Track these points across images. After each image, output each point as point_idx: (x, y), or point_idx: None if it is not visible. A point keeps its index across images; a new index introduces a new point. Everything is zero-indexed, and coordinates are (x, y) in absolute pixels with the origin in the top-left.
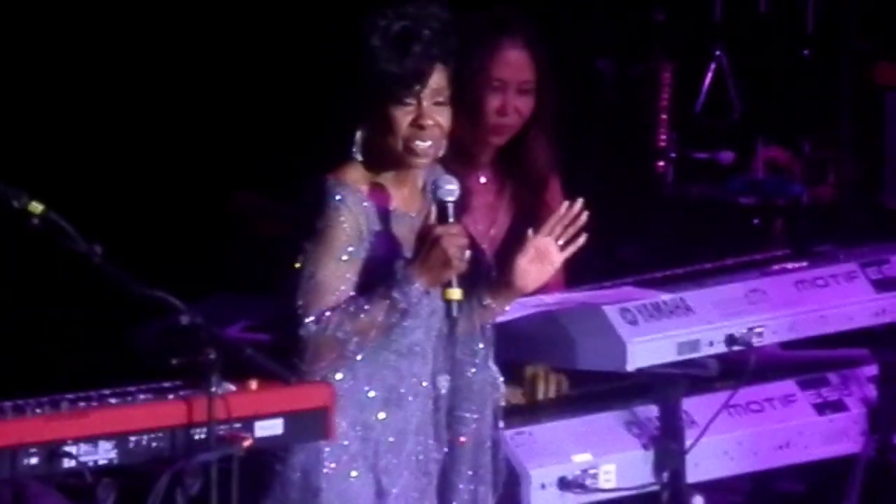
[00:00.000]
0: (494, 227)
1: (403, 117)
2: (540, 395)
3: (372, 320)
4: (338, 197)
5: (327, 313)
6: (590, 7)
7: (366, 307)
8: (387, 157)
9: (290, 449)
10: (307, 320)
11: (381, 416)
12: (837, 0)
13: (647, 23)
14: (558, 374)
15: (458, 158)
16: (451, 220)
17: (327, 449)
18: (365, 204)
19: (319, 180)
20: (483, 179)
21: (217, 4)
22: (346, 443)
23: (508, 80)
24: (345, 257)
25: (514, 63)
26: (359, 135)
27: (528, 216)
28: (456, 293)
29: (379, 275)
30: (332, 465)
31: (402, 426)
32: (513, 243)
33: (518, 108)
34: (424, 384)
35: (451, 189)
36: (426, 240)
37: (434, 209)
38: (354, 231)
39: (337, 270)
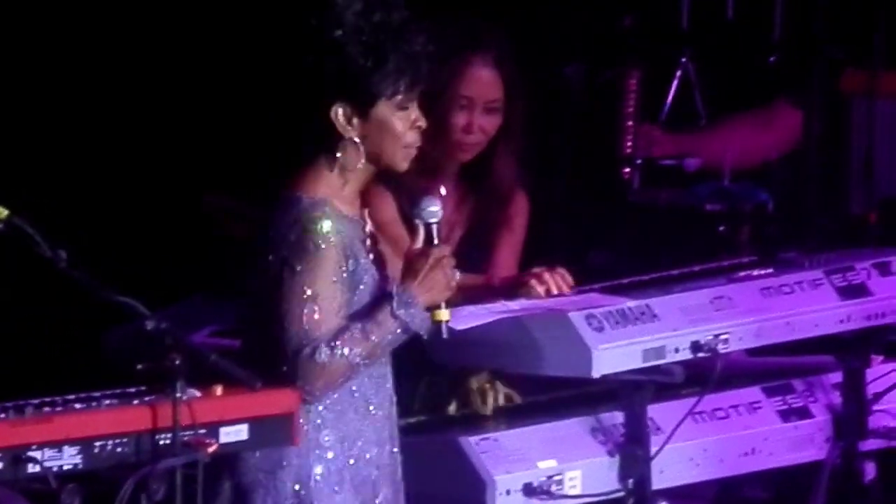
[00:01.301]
0: (448, 241)
1: (404, 121)
2: (488, 409)
3: (381, 342)
4: (325, 216)
5: (338, 338)
6: (557, 13)
7: (374, 329)
8: (377, 163)
9: (281, 462)
10: (321, 346)
11: (363, 426)
12: (805, 7)
13: (614, 29)
14: (506, 386)
15: (422, 171)
16: (436, 240)
17: (317, 463)
18: (344, 219)
19: (295, 198)
20: (443, 192)
21: (193, 5)
22: (331, 455)
23: (475, 99)
24: (337, 277)
25: (483, 82)
26: (343, 144)
27: (483, 230)
28: (445, 314)
29: (365, 291)
30: (322, 478)
31: (378, 436)
32: (463, 257)
33: (483, 126)
34: (390, 394)
35: (434, 210)
36: (421, 262)
37: (422, 231)
38: (343, 248)
39: (335, 291)
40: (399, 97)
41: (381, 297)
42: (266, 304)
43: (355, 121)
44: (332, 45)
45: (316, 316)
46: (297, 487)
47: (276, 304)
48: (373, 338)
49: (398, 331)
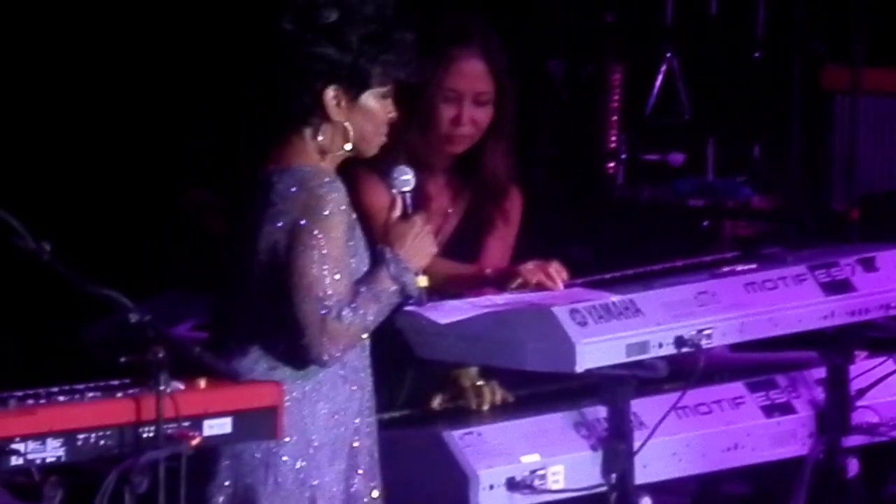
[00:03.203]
0: (442, 230)
1: (384, 110)
2: (486, 405)
3: (385, 304)
4: (336, 184)
5: (356, 300)
6: (540, 8)
7: (379, 291)
8: (353, 148)
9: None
10: (344, 308)
11: (351, 396)
12: (788, 3)
13: (598, 24)
14: (498, 385)
15: (414, 166)
16: (410, 209)
17: (314, 436)
18: (341, 188)
19: (293, 168)
20: (439, 184)
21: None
22: (327, 427)
23: (463, 91)
24: (350, 242)
25: (470, 74)
26: (326, 126)
27: (477, 222)
28: (424, 280)
29: (359, 259)
30: (320, 451)
31: (361, 406)
32: (456, 248)
33: (475, 118)
34: (369, 364)
35: (407, 178)
36: (405, 229)
37: (399, 200)
38: (347, 214)
39: (346, 256)
40: (386, 87)
41: (376, 262)
42: (273, 276)
43: (343, 104)
44: (331, 28)
45: (336, 277)
46: (297, 461)
47: (293, 270)
48: (381, 300)
49: (397, 294)
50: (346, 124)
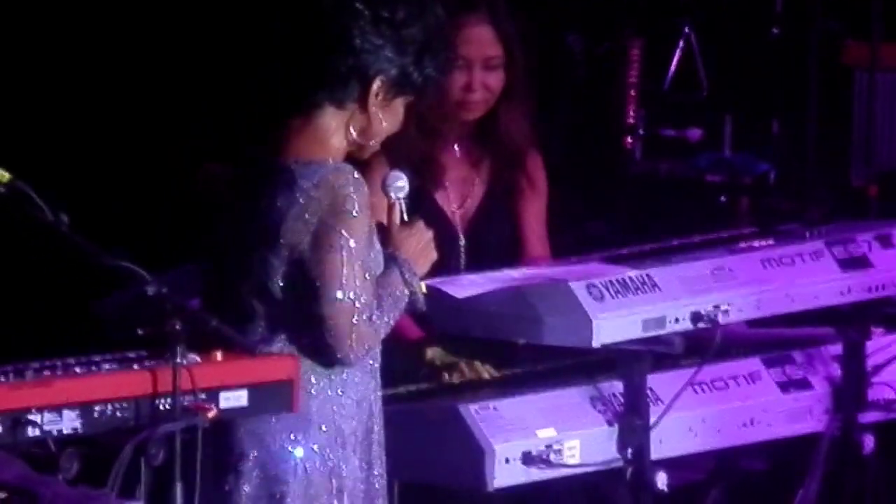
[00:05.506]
0: (468, 201)
1: (401, 121)
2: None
3: (401, 309)
4: (360, 182)
5: (381, 302)
6: None
7: (397, 295)
8: (364, 141)
9: (309, 428)
10: (375, 313)
11: (370, 387)
12: None
13: None
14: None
15: (425, 136)
16: (405, 216)
17: (342, 426)
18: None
19: (317, 161)
20: (457, 154)
21: None
22: (352, 417)
23: (472, 57)
24: (368, 240)
25: (478, 40)
26: (359, 115)
27: (503, 190)
28: (423, 286)
29: (375, 258)
30: (347, 440)
31: (376, 393)
32: (484, 217)
33: (486, 83)
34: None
35: (401, 185)
36: (411, 236)
37: (398, 207)
38: (370, 216)
39: (368, 257)
40: (412, 98)
41: (389, 265)
42: (298, 273)
43: (381, 98)
44: (398, 26)
45: (367, 277)
46: (328, 451)
47: (322, 270)
48: (399, 305)
49: (408, 299)
50: (379, 118)
